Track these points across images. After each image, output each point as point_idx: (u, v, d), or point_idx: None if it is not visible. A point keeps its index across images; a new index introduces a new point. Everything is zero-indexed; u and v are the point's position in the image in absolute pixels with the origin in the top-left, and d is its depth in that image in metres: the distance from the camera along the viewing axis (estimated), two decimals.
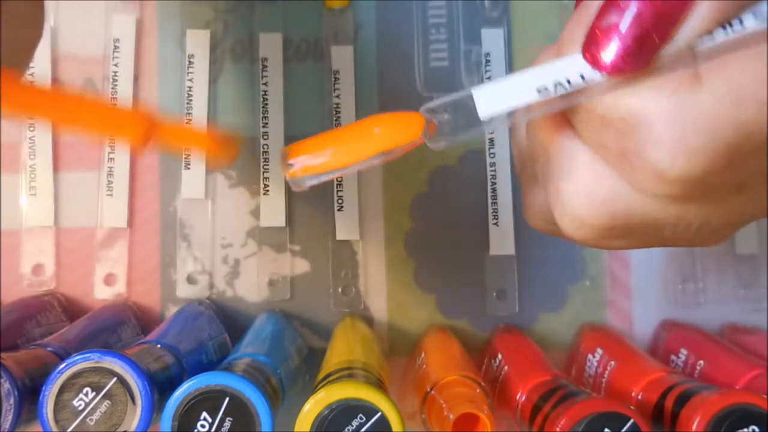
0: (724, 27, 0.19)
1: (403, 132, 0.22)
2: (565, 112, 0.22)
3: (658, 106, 0.19)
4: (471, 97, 0.21)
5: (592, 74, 0.20)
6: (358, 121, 0.22)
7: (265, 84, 0.42)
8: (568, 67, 0.21)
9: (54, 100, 0.21)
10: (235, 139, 0.23)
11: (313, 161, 0.22)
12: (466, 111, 0.21)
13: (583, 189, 0.21)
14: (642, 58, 0.19)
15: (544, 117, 0.23)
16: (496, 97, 0.21)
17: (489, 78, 0.43)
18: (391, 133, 0.22)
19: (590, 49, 0.20)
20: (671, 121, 0.19)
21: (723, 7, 0.19)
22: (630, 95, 0.20)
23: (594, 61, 0.20)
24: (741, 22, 0.19)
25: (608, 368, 0.36)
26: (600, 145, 0.21)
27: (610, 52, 0.20)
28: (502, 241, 0.42)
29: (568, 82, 0.20)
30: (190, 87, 0.42)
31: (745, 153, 0.19)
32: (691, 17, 0.19)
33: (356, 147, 0.22)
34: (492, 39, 0.43)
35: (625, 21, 0.19)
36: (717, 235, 0.23)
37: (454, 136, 0.22)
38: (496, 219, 0.42)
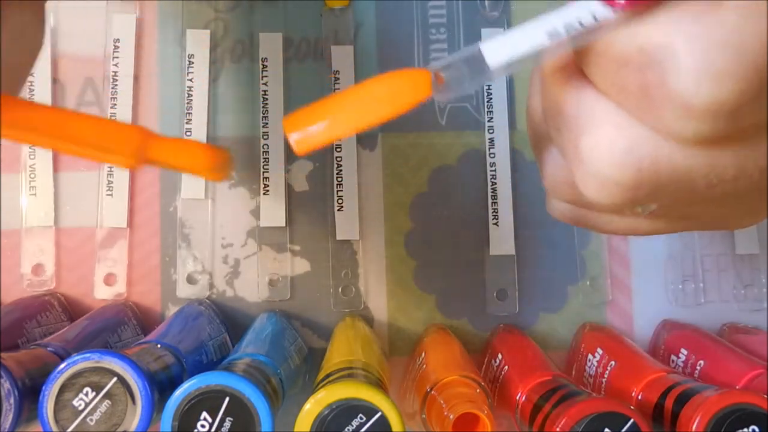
0: None
1: (411, 94, 0.20)
2: (577, 64, 0.21)
3: (679, 29, 0.18)
4: (480, 52, 0.20)
5: (605, 12, 0.19)
6: (362, 84, 0.21)
7: (265, 84, 0.42)
8: (579, 10, 0.19)
9: (45, 115, 0.20)
10: (227, 156, 0.22)
11: (318, 131, 0.21)
12: (475, 65, 0.20)
13: (604, 141, 0.19)
14: None
15: (555, 73, 0.21)
16: (505, 48, 0.20)
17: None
18: (398, 96, 0.20)
19: None
20: (693, 43, 0.17)
21: None
22: (647, 24, 0.18)
23: (628, 4, 0.18)
24: None
25: (608, 368, 0.36)
26: (618, 89, 0.19)
27: None
28: (502, 241, 0.42)
29: (581, 23, 0.19)
30: (190, 87, 0.42)
31: None
32: None
33: (362, 114, 0.21)
34: None
35: None
36: (754, 200, 0.21)
37: (462, 87, 0.21)
38: (496, 219, 0.42)
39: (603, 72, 0.20)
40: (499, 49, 0.20)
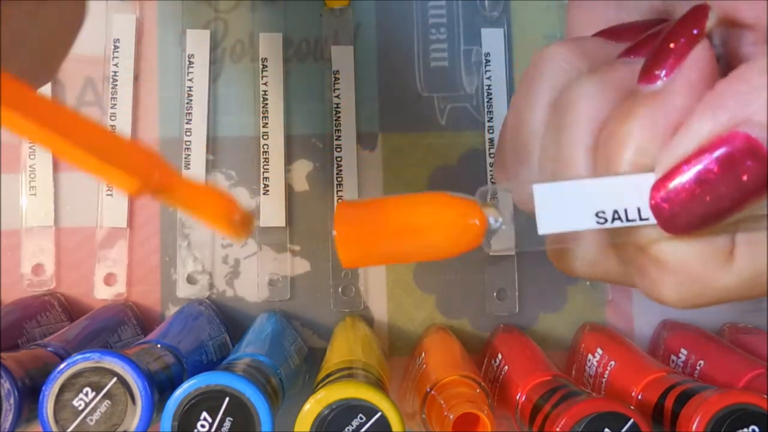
0: None
1: (463, 244, 0.22)
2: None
3: (690, 269, 0.21)
4: (524, 186, 0.22)
5: (648, 214, 0.21)
6: (416, 219, 0.22)
7: (265, 84, 0.42)
8: (631, 197, 0.21)
9: (54, 115, 0.18)
10: (249, 216, 0.21)
11: (368, 259, 0.22)
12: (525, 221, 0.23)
13: (674, 295, 0.22)
14: (706, 227, 0.20)
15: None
16: (557, 222, 0.22)
17: (489, 78, 0.43)
18: (450, 244, 0.22)
19: (664, 217, 0.20)
20: (693, 285, 0.21)
21: None
22: (671, 247, 0.21)
23: (665, 226, 0.20)
24: None
25: (608, 368, 0.36)
26: (626, 251, 0.23)
27: (682, 224, 0.20)
28: (502, 241, 0.42)
29: (627, 216, 0.21)
30: (190, 87, 0.42)
31: None
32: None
33: (410, 255, 0.22)
34: (492, 39, 0.43)
35: (705, 199, 0.20)
36: None
37: (508, 245, 0.23)
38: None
39: (625, 247, 0.23)
40: (552, 220, 0.22)
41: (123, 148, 0.18)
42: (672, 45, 0.21)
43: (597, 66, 0.24)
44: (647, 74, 0.21)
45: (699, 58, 0.21)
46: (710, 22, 0.21)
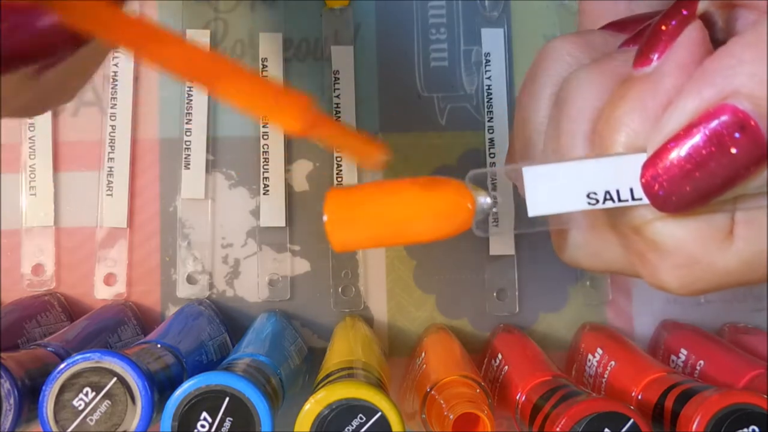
0: None
1: (452, 226, 0.22)
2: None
3: (688, 250, 0.21)
4: (519, 171, 0.22)
5: (641, 195, 0.20)
6: (406, 201, 0.23)
7: None
8: (623, 178, 0.20)
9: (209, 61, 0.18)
10: (383, 146, 0.22)
11: (357, 242, 0.22)
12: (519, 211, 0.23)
13: (674, 280, 0.22)
14: (700, 204, 0.20)
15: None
16: (547, 203, 0.21)
17: (489, 78, 0.43)
18: (441, 226, 0.22)
19: (656, 195, 0.20)
20: (692, 267, 0.21)
21: None
22: (667, 227, 0.21)
23: (658, 204, 0.20)
24: None
25: (608, 368, 0.36)
26: (624, 236, 0.22)
27: (674, 202, 0.20)
28: (502, 241, 0.42)
29: (619, 196, 0.21)
30: (190, 87, 0.42)
31: None
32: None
33: (400, 236, 0.22)
34: (492, 39, 0.43)
35: (696, 175, 0.19)
36: None
37: (495, 231, 0.23)
38: (496, 219, 0.42)
39: (623, 230, 0.22)
40: (542, 202, 0.22)
41: (283, 93, 0.19)
42: (664, 27, 0.21)
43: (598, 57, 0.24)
44: (641, 58, 0.21)
45: (689, 38, 0.20)
46: (702, 3, 0.21)
